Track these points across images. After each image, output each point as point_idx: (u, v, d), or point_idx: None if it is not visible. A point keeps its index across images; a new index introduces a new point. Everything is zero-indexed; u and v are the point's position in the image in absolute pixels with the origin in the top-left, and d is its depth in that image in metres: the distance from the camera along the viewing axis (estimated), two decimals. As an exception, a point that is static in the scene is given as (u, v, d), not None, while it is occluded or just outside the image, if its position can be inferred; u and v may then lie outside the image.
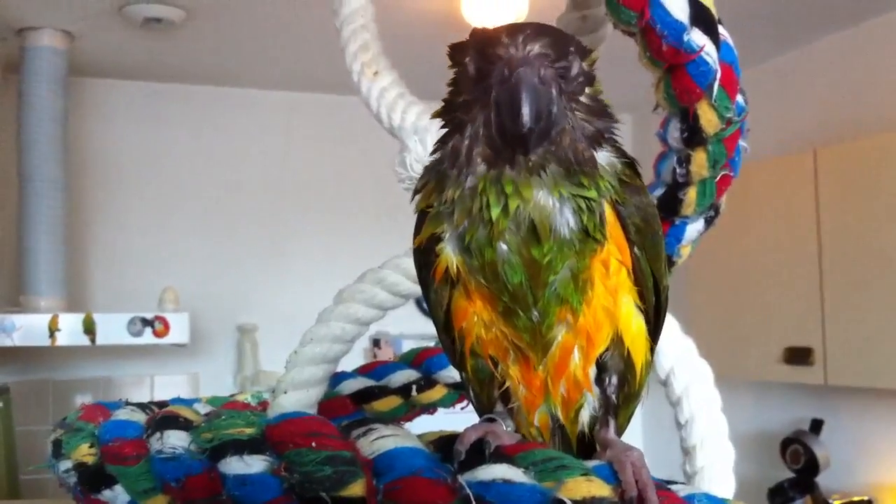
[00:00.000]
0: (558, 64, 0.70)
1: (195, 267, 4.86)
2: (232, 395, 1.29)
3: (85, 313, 3.99)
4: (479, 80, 0.72)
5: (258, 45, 4.38)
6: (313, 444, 0.73)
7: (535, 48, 0.69)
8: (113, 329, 4.02)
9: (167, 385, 4.67)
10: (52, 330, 3.91)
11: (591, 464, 0.72)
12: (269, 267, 5.02)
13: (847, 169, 3.85)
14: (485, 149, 0.72)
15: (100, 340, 3.99)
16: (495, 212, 0.70)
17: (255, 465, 0.74)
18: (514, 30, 0.70)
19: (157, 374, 4.78)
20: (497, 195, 0.70)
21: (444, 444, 0.74)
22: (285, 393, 1.07)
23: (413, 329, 4.73)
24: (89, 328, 3.97)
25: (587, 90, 0.74)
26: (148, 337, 4.07)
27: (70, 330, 3.93)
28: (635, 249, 0.76)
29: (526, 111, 0.67)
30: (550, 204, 0.70)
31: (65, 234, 4.17)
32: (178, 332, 4.13)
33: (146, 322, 4.07)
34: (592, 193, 0.71)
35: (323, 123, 5.13)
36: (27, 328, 3.88)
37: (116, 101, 4.88)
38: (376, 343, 5.02)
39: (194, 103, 5.01)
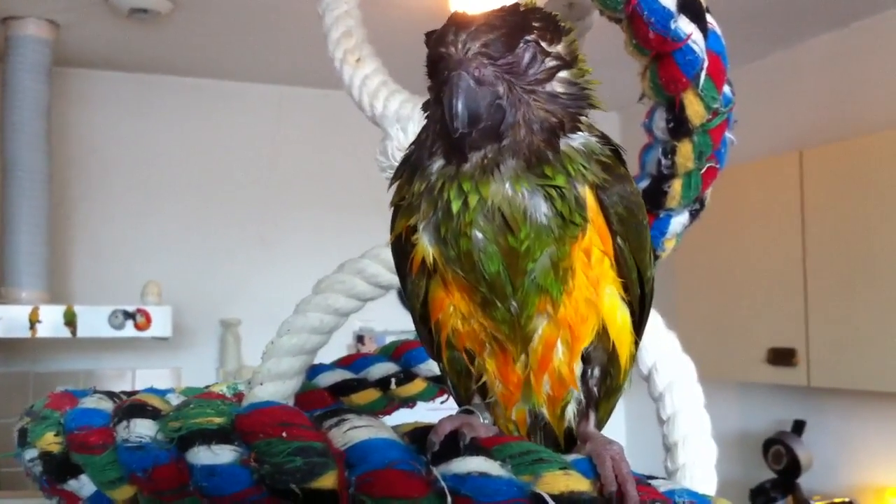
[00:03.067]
0: (503, 60, 0.69)
1: (178, 260, 4.82)
2: (207, 387, 1.27)
3: (66, 305, 3.94)
4: (432, 75, 0.72)
5: (246, 37, 4.34)
6: (284, 434, 0.71)
7: (475, 47, 0.68)
8: (94, 321, 3.97)
9: (149, 379, 4.58)
10: (33, 322, 3.86)
11: (570, 457, 0.70)
12: (254, 261, 4.99)
13: (833, 170, 3.85)
14: (442, 143, 0.71)
15: (81, 333, 3.94)
16: (456, 205, 0.70)
17: (223, 455, 0.72)
18: (460, 25, 0.69)
19: (139, 368, 4.73)
20: (457, 191, 0.70)
21: (420, 435, 0.72)
22: (261, 384, 1.05)
23: (397, 325, 4.72)
24: (70, 320, 3.93)
25: (564, 74, 0.73)
26: (129, 330, 4.03)
27: (51, 322, 3.88)
28: (618, 239, 0.74)
29: (457, 116, 0.67)
30: (519, 196, 0.69)
31: (47, 225, 4.12)
32: (161, 325, 4.09)
33: (128, 315, 4.03)
34: (560, 181, 0.70)
35: (310, 117, 5.10)
36: (7, 320, 3.83)
37: (102, 92, 4.83)
38: (360, 339, 5.00)
39: (180, 95, 4.97)
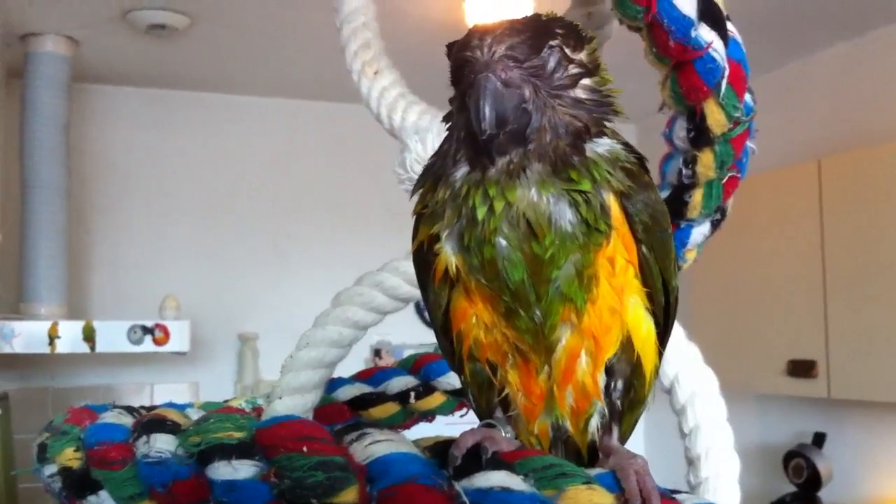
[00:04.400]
0: (529, 63, 0.69)
1: (196, 274, 4.84)
2: (226, 401, 1.27)
3: (85, 321, 3.97)
4: (456, 83, 0.72)
5: (262, 52, 4.37)
6: (305, 448, 0.70)
7: (501, 49, 0.68)
8: (113, 337, 4.00)
9: (167, 393, 4.62)
10: (52, 337, 3.88)
11: (594, 472, 0.69)
12: (271, 275, 5.00)
13: (851, 179, 3.83)
14: (467, 150, 0.71)
15: (99, 348, 3.96)
16: (481, 211, 0.69)
17: (243, 470, 0.72)
18: (485, 30, 0.70)
19: (157, 383, 4.75)
20: (482, 197, 0.69)
21: (441, 449, 0.71)
22: (280, 398, 1.04)
23: (414, 338, 4.71)
24: (89, 336, 3.95)
25: (586, 81, 0.72)
26: (148, 345, 4.05)
27: (70, 337, 3.90)
28: (643, 248, 0.73)
29: (485, 118, 0.67)
30: (544, 201, 0.69)
31: (66, 240, 4.15)
32: (179, 340, 4.11)
33: (146, 330, 4.05)
34: (586, 185, 0.69)
35: (325, 131, 5.12)
36: (26, 335, 3.85)
37: (119, 108, 4.87)
38: (377, 353, 4.99)
39: (197, 110, 5.00)
